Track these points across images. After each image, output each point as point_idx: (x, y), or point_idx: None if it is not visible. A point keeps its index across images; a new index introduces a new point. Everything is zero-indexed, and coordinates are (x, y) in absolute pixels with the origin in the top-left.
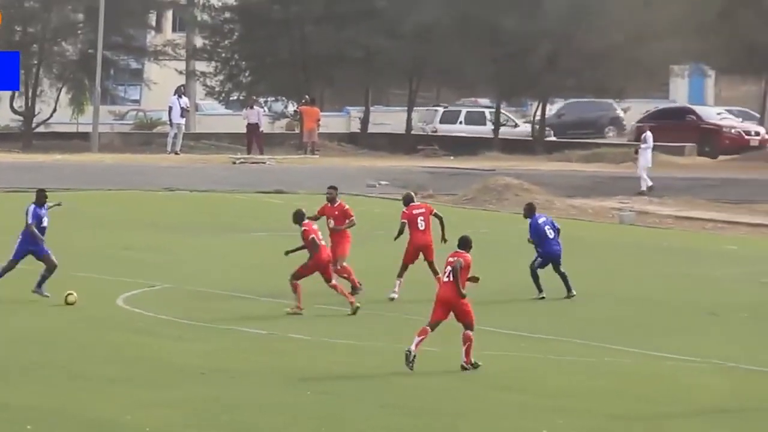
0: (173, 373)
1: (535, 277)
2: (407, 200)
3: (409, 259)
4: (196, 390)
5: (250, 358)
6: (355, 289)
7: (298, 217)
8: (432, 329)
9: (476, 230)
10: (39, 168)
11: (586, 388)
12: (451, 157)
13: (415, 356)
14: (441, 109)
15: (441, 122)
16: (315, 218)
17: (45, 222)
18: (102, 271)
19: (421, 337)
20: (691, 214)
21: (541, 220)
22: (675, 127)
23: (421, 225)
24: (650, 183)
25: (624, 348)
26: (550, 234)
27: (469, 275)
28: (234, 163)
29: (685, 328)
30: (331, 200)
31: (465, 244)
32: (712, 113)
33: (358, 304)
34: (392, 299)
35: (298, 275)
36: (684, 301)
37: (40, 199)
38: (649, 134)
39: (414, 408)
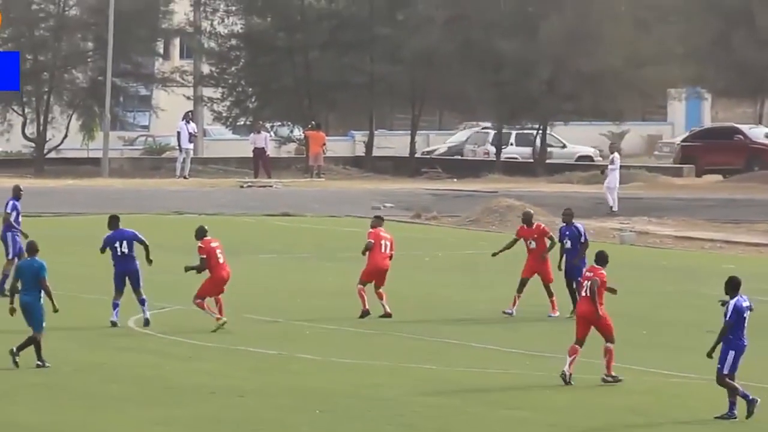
0: (183, 393)
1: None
2: (530, 218)
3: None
4: (205, 409)
5: (259, 377)
6: (364, 314)
7: (200, 233)
8: (580, 345)
9: (481, 251)
10: (51, 193)
11: (587, 403)
12: (454, 180)
13: (570, 375)
14: (492, 132)
15: (492, 144)
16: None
17: (124, 247)
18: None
19: (572, 357)
20: (691, 234)
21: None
22: (723, 146)
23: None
24: (611, 204)
25: (624, 365)
26: (567, 244)
27: (607, 287)
28: (242, 186)
29: (685, 345)
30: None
31: (603, 259)
32: (760, 133)
33: (224, 320)
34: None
35: (200, 295)
36: (683, 320)
37: (114, 223)
38: (616, 156)
39: (421, 426)
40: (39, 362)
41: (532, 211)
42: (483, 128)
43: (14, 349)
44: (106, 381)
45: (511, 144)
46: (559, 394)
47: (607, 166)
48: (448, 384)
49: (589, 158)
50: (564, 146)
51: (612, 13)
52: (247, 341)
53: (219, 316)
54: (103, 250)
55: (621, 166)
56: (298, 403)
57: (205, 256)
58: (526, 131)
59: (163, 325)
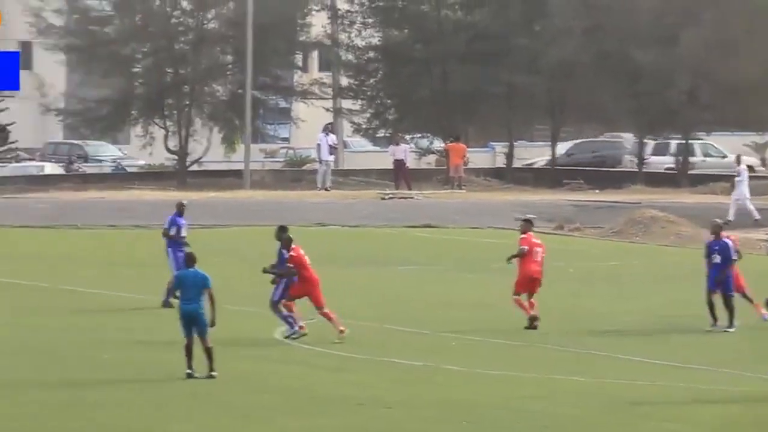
0: (329, 403)
1: (710, 305)
2: (719, 229)
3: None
4: (351, 419)
5: (405, 389)
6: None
7: (288, 242)
8: None
9: (626, 262)
10: (193, 205)
11: (737, 418)
12: (596, 191)
13: None
14: (652, 142)
15: (652, 154)
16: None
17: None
18: (259, 305)
19: None
20: None
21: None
22: None
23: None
24: (731, 217)
25: None
26: (716, 259)
27: None
28: (383, 198)
29: None
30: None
31: None
32: None
33: (342, 338)
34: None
35: (289, 298)
36: None
37: (282, 234)
38: (743, 167)
39: None
40: (189, 371)
41: (720, 221)
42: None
43: (211, 372)
44: (253, 391)
45: (672, 154)
46: (708, 408)
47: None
48: (596, 396)
49: (750, 168)
50: (725, 156)
51: (751, 23)
52: (392, 353)
53: (303, 325)
54: (288, 261)
55: (765, 177)
56: (444, 415)
57: (293, 265)
58: (685, 141)
59: (309, 336)
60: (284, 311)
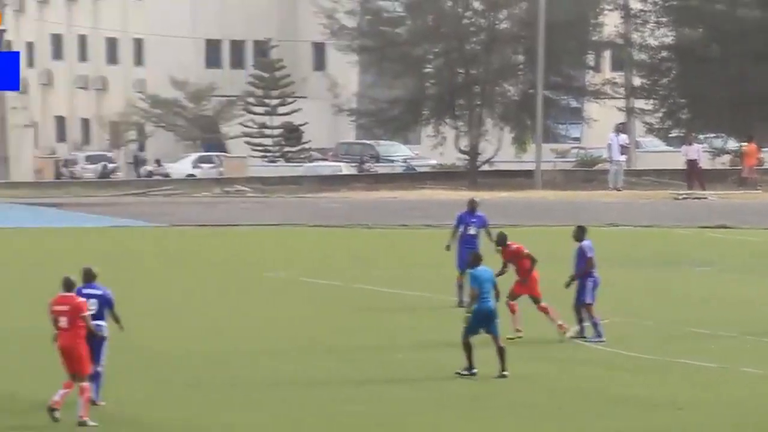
0: (621, 404)
1: None
2: None
3: None
4: (644, 422)
5: (699, 391)
6: None
7: (502, 240)
8: None
9: None
10: (484, 205)
11: None
12: None
13: None
14: None
15: None
16: None
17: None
18: (553, 304)
19: None
20: None
21: None
22: None
23: None
24: None
25: None
26: None
27: None
28: (676, 198)
29: None
30: None
31: None
32: None
33: (569, 334)
34: None
35: (513, 297)
36: None
37: (581, 234)
38: None
39: None
40: (504, 372)
41: None
42: None
43: (503, 372)
44: (538, 391)
45: None
46: None
47: None
48: None
49: None
50: None
51: None
52: (686, 354)
53: (562, 323)
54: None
55: None
56: (739, 418)
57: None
58: None
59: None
60: (594, 316)
